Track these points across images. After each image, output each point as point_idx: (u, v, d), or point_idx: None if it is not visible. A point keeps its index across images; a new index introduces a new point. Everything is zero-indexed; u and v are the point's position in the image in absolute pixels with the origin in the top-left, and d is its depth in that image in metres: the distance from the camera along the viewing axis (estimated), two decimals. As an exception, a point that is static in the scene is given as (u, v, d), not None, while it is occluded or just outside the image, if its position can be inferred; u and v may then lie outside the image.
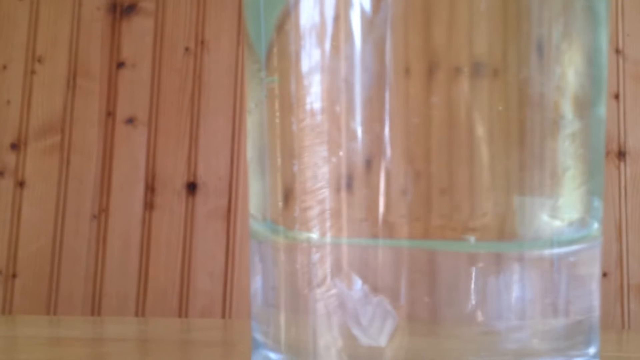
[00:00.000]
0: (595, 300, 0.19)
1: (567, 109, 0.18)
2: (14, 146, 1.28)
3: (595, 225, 0.19)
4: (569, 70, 0.18)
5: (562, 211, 0.18)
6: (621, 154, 1.23)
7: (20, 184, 1.27)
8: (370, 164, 0.17)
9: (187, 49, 1.29)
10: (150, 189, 1.26)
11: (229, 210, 1.25)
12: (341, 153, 0.18)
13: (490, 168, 0.17)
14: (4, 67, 1.30)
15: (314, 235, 0.18)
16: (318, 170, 0.18)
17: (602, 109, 0.19)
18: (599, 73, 0.19)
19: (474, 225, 0.17)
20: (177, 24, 1.30)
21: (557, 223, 0.18)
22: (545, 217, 0.17)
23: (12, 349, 0.35)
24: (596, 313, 0.19)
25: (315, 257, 0.18)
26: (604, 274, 1.20)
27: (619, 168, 1.23)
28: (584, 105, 0.18)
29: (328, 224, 0.18)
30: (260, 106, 0.20)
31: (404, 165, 0.17)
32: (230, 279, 1.23)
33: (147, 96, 1.28)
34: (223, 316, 1.23)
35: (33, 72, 1.30)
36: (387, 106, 0.17)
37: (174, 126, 1.27)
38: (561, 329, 0.18)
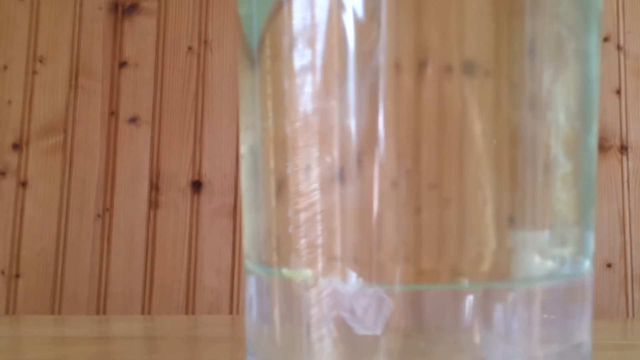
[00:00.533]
0: (585, 334, 0.19)
1: (559, 151, 0.18)
2: (16, 146, 1.28)
3: (587, 263, 0.19)
4: (561, 115, 0.18)
5: (554, 252, 0.18)
6: (623, 148, 1.25)
7: (23, 184, 1.27)
8: (364, 209, 0.17)
9: (190, 47, 1.30)
10: (154, 187, 1.26)
11: (234, 207, 1.25)
12: (336, 196, 0.18)
13: (481, 209, 0.17)
14: (5, 67, 1.30)
15: (309, 277, 0.18)
16: (314, 212, 0.18)
17: (593, 139, 0.19)
18: (590, 106, 0.19)
19: (466, 268, 0.17)
20: (180, 23, 1.30)
21: (549, 264, 0.18)
22: (537, 258, 0.17)
23: (17, 349, 0.35)
24: (587, 345, 0.19)
25: (311, 299, 0.18)
26: (609, 265, 1.22)
27: (621, 162, 1.25)
28: (576, 145, 0.19)
29: (324, 266, 0.18)
30: (256, 151, 0.20)
31: (396, 213, 0.17)
32: (237, 275, 1.23)
33: (150, 95, 1.29)
34: (230, 312, 1.23)
35: (34, 72, 1.30)
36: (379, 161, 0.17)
37: (178, 125, 1.28)
38: None
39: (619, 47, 1.27)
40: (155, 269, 1.24)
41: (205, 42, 1.30)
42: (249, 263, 0.20)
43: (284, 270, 0.18)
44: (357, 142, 0.17)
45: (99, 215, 1.26)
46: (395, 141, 0.17)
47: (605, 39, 1.27)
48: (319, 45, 0.18)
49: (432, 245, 0.17)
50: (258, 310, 0.19)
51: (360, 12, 0.17)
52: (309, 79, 0.18)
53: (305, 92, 0.18)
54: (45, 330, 0.44)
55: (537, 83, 0.18)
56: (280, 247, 0.19)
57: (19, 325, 0.52)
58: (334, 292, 0.17)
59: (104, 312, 1.24)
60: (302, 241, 0.18)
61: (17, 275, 1.25)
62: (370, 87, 0.17)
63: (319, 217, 0.18)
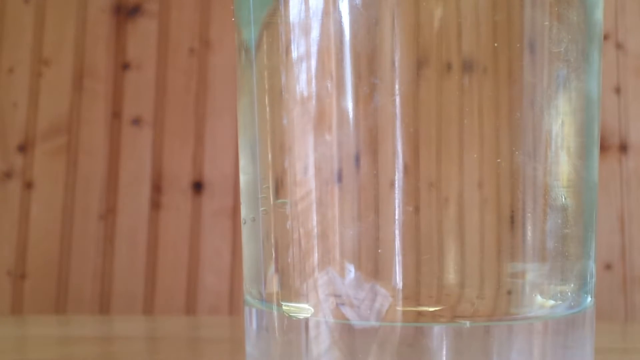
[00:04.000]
0: None
1: (560, 191, 0.18)
2: (22, 148, 1.29)
3: (589, 300, 0.19)
4: (563, 157, 0.18)
5: (557, 291, 0.18)
6: (623, 148, 1.23)
7: (28, 186, 1.28)
8: (362, 252, 0.17)
9: (191, 49, 1.30)
10: (156, 188, 1.26)
11: (234, 208, 1.25)
12: (336, 246, 0.18)
13: (484, 250, 0.17)
14: (11, 69, 1.31)
15: (308, 313, 0.18)
16: (313, 255, 0.18)
17: (594, 174, 0.19)
18: (591, 141, 0.19)
19: (468, 309, 0.17)
20: (181, 25, 1.31)
21: (551, 302, 0.18)
22: (539, 298, 0.17)
23: (23, 349, 0.35)
24: None
25: (311, 337, 0.18)
26: (608, 266, 1.20)
27: (620, 162, 1.23)
28: (577, 185, 0.18)
29: (323, 305, 0.18)
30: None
31: (396, 253, 0.17)
32: (237, 277, 1.23)
33: (153, 97, 1.29)
34: (230, 313, 1.23)
35: (39, 74, 1.30)
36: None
37: (180, 126, 1.28)
38: None
39: (618, 45, 1.26)
40: (157, 270, 1.24)
41: (207, 43, 1.30)
42: (250, 299, 0.20)
43: (283, 313, 0.18)
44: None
45: (102, 216, 1.26)
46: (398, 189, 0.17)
47: (605, 37, 1.25)
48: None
49: (432, 286, 0.17)
50: (257, 344, 0.19)
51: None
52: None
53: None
54: (50, 330, 0.44)
55: (538, 124, 0.18)
56: (281, 290, 0.19)
57: (25, 325, 0.53)
58: (332, 328, 0.17)
59: (107, 312, 1.24)
60: (302, 277, 0.18)
61: (23, 276, 1.26)
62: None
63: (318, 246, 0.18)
